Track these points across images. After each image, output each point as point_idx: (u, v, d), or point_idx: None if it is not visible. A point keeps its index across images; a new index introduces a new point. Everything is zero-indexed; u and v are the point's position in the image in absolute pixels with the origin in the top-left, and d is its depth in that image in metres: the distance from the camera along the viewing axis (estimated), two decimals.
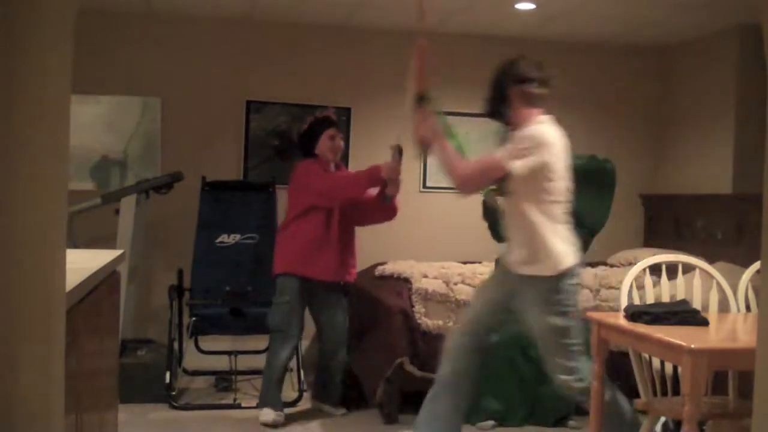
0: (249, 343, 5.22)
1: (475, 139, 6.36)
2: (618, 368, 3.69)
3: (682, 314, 3.11)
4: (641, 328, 3.01)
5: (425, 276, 4.54)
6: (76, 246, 4.21)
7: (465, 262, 5.35)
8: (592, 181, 3.94)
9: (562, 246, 3.25)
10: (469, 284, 4.49)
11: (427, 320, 4.35)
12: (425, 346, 4.28)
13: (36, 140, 1.40)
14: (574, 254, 3.28)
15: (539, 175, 3.22)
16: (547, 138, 3.29)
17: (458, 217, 6.35)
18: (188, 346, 5.10)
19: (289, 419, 4.37)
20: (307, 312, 4.46)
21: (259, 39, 6.02)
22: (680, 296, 3.51)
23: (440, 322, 4.35)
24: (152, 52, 5.85)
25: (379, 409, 4.39)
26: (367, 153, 5.74)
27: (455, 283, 4.48)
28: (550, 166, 3.23)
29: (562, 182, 3.29)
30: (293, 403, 4.61)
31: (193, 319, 4.75)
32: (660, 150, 6.60)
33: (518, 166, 3.20)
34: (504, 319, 3.51)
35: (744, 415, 3.14)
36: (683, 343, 2.72)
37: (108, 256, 2.81)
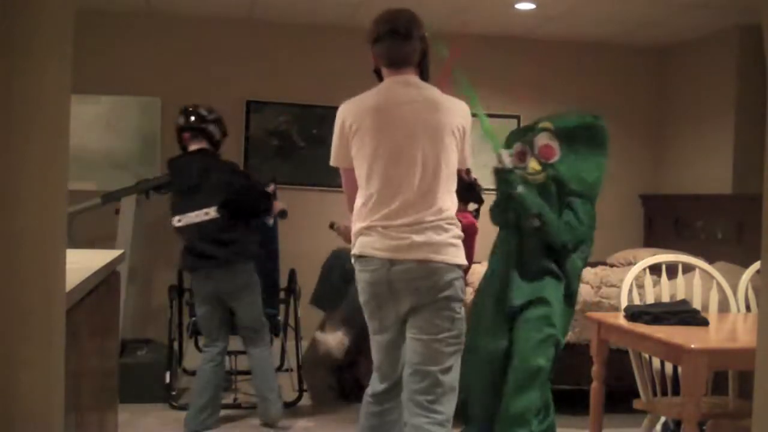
0: None
1: (475, 139, 6.38)
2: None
3: (682, 314, 3.11)
4: (641, 328, 3.01)
5: None
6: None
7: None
8: (582, 141, 3.59)
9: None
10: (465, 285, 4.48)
11: None
12: None
13: (36, 140, 1.40)
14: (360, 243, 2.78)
15: None
16: None
17: None
18: (188, 346, 5.10)
19: (290, 419, 4.37)
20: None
21: (259, 39, 6.02)
22: (680, 296, 3.51)
23: None
24: (152, 52, 5.85)
25: None
26: None
27: None
28: None
29: None
30: (293, 403, 4.60)
31: (193, 319, 4.74)
32: (660, 150, 6.60)
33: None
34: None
35: (744, 415, 3.15)
36: (683, 343, 2.73)
37: (108, 256, 2.81)
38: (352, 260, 2.82)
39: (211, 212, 4.06)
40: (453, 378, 2.74)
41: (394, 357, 2.83)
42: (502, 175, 3.56)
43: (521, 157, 3.62)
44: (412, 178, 2.70)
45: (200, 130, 4.21)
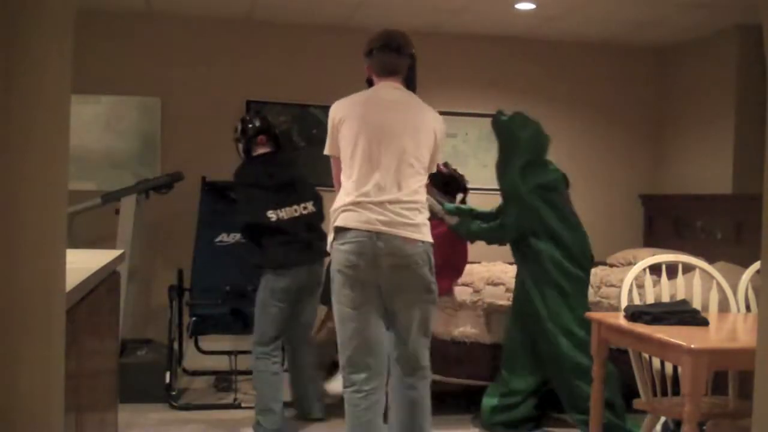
0: (249, 343, 5.22)
1: (474, 139, 6.38)
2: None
3: (682, 314, 3.11)
4: (641, 328, 3.01)
5: None
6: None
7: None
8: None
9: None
10: (465, 285, 4.49)
11: None
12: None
13: (36, 140, 1.40)
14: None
15: None
16: None
17: None
18: (188, 346, 5.10)
19: (289, 419, 4.36)
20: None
21: (259, 39, 6.02)
22: (680, 296, 3.51)
23: (441, 328, 4.33)
24: (152, 52, 5.85)
25: None
26: None
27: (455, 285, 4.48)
28: None
29: None
30: (293, 403, 4.60)
31: (193, 319, 4.75)
32: (660, 150, 6.61)
33: None
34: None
35: (744, 415, 3.15)
36: (683, 343, 2.73)
37: (108, 256, 2.81)
38: (332, 234, 3.05)
39: (308, 206, 4.23)
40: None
41: (375, 343, 3.05)
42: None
43: None
44: (390, 163, 2.99)
45: (273, 134, 4.39)
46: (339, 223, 3.01)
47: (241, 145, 4.34)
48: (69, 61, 1.54)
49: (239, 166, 4.33)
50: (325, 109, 6.29)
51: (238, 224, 4.30)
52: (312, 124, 6.08)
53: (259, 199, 4.14)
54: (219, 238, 5.03)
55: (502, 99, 6.34)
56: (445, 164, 4.62)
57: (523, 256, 4.17)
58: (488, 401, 4.24)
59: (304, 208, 4.20)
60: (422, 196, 3.07)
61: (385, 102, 3.11)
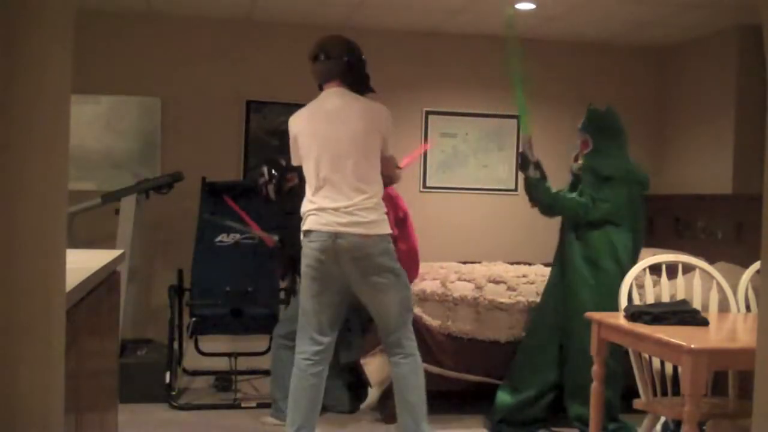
0: (249, 343, 5.22)
1: (474, 139, 6.38)
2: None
3: (682, 314, 3.11)
4: (641, 328, 3.01)
5: (423, 279, 4.52)
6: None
7: (465, 262, 5.34)
8: (599, 132, 4.26)
9: None
10: (466, 281, 4.49)
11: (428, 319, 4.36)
12: (424, 346, 4.28)
13: (36, 140, 1.40)
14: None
15: None
16: None
17: (458, 217, 6.36)
18: (188, 346, 5.10)
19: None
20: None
21: (259, 39, 6.02)
22: (680, 296, 3.51)
23: (438, 322, 4.35)
24: (152, 52, 5.85)
25: (379, 408, 4.39)
26: None
27: (452, 282, 4.48)
28: None
29: None
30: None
31: (194, 319, 4.75)
32: (660, 150, 6.60)
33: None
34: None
35: (744, 415, 3.15)
36: (683, 343, 2.73)
37: (108, 256, 2.81)
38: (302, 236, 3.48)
39: None
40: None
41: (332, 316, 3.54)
42: (525, 159, 4.24)
43: (575, 159, 4.32)
44: (340, 177, 3.40)
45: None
46: (305, 226, 3.47)
47: (272, 186, 4.53)
48: (69, 61, 1.54)
49: (285, 198, 4.49)
50: None
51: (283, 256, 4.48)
52: None
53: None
54: (219, 239, 5.04)
55: (502, 99, 6.35)
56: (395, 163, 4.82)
57: (581, 244, 4.13)
58: (503, 397, 4.24)
59: None
60: (375, 195, 3.44)
61: (328, 114, 3.46)
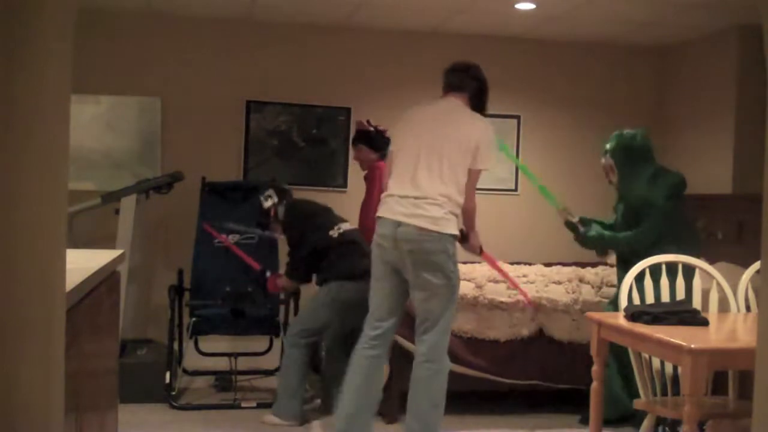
0: (249, 343, 5.22)
1: None
2: None
3: (682, 314, 3.11)
4: (641, 328, 3.01)
5: None
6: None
7: (465, 262, 5.34)
8: (625, 159, 4.28)
9: None
10: (466, 280, 4.49)
11: None
12: None
13: (36, 140, 1.40)
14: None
15: None
16: None
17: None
18: (188, 346, 5.10)
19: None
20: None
21: (259, 39, 6.02)
22: (680, 296, 3.51)
23: None
24: (152, 52, 5.85)
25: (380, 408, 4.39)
26: None
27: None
28: None
29: None
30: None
31: (194, 319, 4.74)
32: (660, 150, 6.58)
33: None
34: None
35: (744, 415, 3.15)
36: (683, 343, 2.73)
37: (108, 256, 2.81)
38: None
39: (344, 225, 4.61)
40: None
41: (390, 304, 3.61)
42: (572, 226, 4.34)
43: (607, 174, 4.37)
44: (427, 167, 3.53)
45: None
46: (378, 213, 3.63)
47: (282, 208, 4.61)
48: (69, 61, 1.54)
49: (289, 208, 4.61)
50: (326, 109, 6.34)
51: (304, 254, 4.45)
52: (312, 124, 6.08)
53: (324, 224, 4.50)
54: (219, 239, 5.04)
55: (502, 99, 6.35)
56: (368, 121, 5.06)
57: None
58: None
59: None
60: (450, 196, 3.52)
61: (437, 112, 3.71)
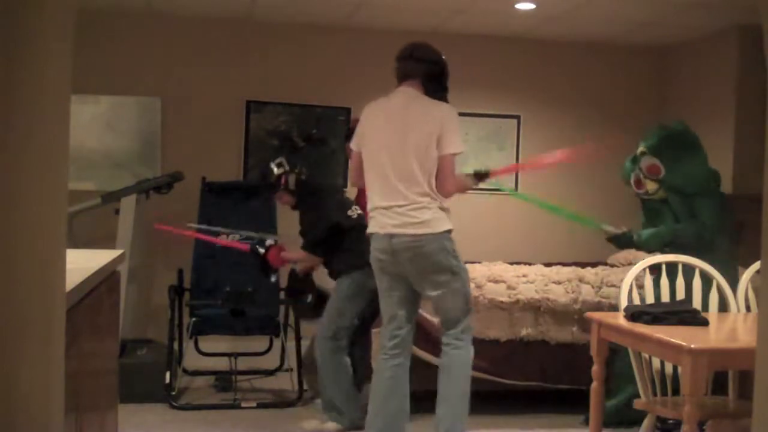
0: (249, 343, 5.22)
1: (475, 139, 6.38)
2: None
3: (682, 314, 3.11)
4: (641, 328, 3.01)
5: None
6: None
7: (465, 262, 5.34)
8: (675, 148, 4.26)
9: None
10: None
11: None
12: (428, 342, 4.27)
13: (36, 140, 1.40)
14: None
15: None
16: None
17: (458, 217, 6.34)
18: (188, 346, 5.10)
19: (289, 419, 4.37)
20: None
21: (259, 39, 6.02)
22: (680, 296, 3.51)
23: (439, 320, 4.34)
24: (152, 52, 5.85)
25: None
26: None
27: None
28: None
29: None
30: (293, 403, 4.61)
31: (194, 319, 4.74)
32: None
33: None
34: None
35: (744, 415, 3.15)
36: (683, 343, 2.73)
37: (108, 256, 2.81)
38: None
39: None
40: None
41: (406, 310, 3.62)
42: (618, 239, 4.34)
43: (638, 184, 4.30)
44: (397, 170, 3.49)
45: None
46: (368, 230, 3.62)
47: (292, 177, 4.47)
48: (69, 61, 1.54)
49: (308, 180, 4.51)
50: (326, 109, 6.33)
51: (325, 226, 4.30)
52: (312, 124, 6.08)
53: (342, 202, 4.44)
54: (219, 238, 5.03)
55: (502, 99, 6.36)
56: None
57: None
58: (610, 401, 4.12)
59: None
60: (428, 194, 3.45)
61: (391, 112, 3.55)
